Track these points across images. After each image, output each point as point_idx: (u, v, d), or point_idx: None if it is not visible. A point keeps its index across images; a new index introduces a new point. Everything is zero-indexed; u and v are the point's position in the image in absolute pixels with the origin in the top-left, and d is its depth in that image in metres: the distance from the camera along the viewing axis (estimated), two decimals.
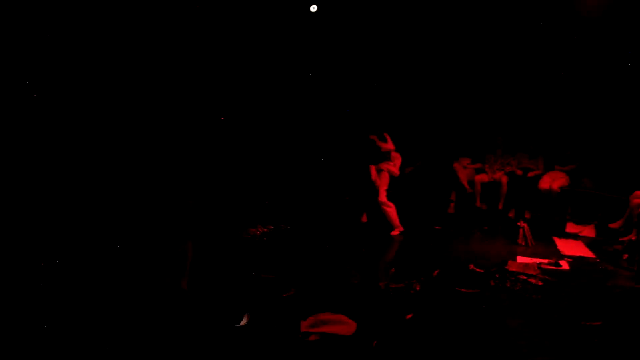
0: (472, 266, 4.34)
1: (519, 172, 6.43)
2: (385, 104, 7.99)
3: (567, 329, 3.14)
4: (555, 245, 4.98)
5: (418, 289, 3.78)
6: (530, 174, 6.37)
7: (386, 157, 5.79)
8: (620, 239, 5.13)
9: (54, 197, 5.33)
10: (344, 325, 3.06)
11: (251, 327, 3.14)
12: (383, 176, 5.67)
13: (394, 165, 5.76)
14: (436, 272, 4.18)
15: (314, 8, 7.13)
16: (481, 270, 4.23)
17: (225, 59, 7.51)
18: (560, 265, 4.39)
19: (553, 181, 6.04)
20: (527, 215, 6.15)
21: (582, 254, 4.71)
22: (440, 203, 6.68)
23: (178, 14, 6.79)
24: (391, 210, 5.51)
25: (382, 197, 5.55)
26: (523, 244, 4.98)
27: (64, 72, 5.96)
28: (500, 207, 6.38)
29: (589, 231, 5.45)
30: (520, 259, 4.52)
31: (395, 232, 5.45)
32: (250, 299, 3.62)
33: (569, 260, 4.53)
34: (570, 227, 5.59)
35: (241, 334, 3.05)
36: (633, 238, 4.95)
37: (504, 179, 6.36)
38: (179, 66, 7.30)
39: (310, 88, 8.13)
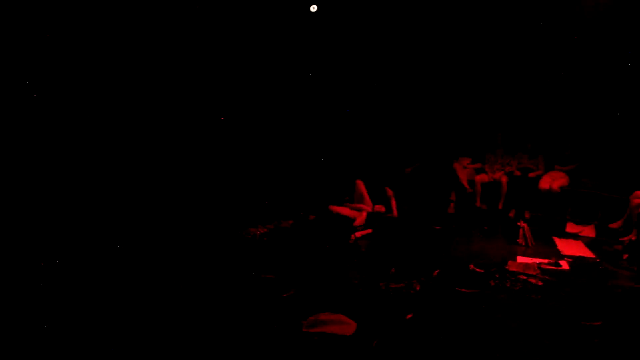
0: (472, 266, 4.34)
1: (518, 173, 6.43)
2: (385, 104, 8.00)
3: (567, 329, 3.14)
4: (555, 245, 4.98)
5: (418, 289, 3.78)
6: (530, 174, 6.36)
7: None
8: (620, 239, 5.13)
9: (53, 196, 5.33)
10: (344, 325, 3.06)
11: (251, 327, 3.14)
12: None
13: None
14: (436, 272, 4.18)
15: (314, 8, 7.12)
16: (481, 270, 4.23)
17: (225, 59, 7.50)
18: (560, 265, 4.39)
19: (553, 181, 6.03)
20: (527, 215, 6.15)
21: (582, 254, 4.71)
22: (440, 203, 6.68)
23: (178, 13, 6.78)
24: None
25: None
26: (523, 244, 4.98)
27: (64, 72, 5.96)
28: (500, 207, 6.37)
29: (589, 231, 5.45)
30: (520, 259, 4.52)
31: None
32: (250, 299, 3.63)
33: (569, 260, 4.53)
34: (570, 227, 5.58)
35: (241, 334, 3.05)
36: (633, 238, 4.95)
37: (504, 179, 6.36)
38: (179, 66, 7.29)
39: (310, 88, 8.12)
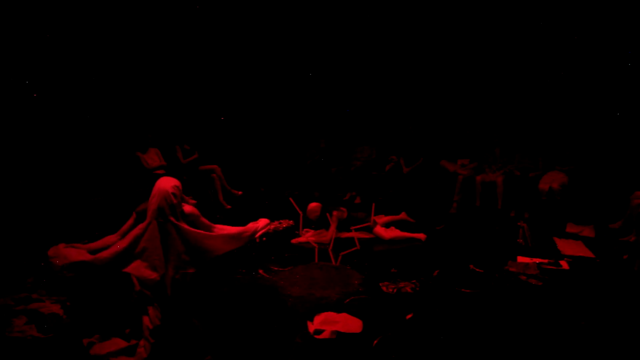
0: (472, 266, 4.34)
1: (517, 173, 6.42)
2: (385, 105, 8.00)
3: (567, 329, 3.14)
4: (555, 245, 4.97)
5: (418, 289, 3.78)
6: (530, 174, 6.35)
7: None
8: (621, 239, 5.13)
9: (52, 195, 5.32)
10: (350, 323, 3.07)
11: (251, 328, 3.13)
12: None
13: None
14: (436, 272, 4.18)
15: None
16: (481, 270, 4.23)
17: (221, 60, 7.48)
18: (560, 265, 4.39)
19: (553, 181, 6.03)
20: (527, 215, 6.14)
21: (582, 254, 4.71)
22: (442, 203, 6.67)
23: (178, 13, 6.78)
24: None
25: None
26: (523, 244, 4.98)
27: (64, 72, 5.95)
28: (499, 206, 6.37)
29: (589, 231, 5.44)
30: (520, 259, 4.52)
31: None
32: (250, 299, 3.62)
33: (569, 260, 4.53)
34: (570, 227, 5.57)
35: (243, 334, 3.05)
36: (633, 238, 4.95)
37: (499, 179, 6.35)
38: (179, 66, 7.29)
39: (310, 88, 8.12)
